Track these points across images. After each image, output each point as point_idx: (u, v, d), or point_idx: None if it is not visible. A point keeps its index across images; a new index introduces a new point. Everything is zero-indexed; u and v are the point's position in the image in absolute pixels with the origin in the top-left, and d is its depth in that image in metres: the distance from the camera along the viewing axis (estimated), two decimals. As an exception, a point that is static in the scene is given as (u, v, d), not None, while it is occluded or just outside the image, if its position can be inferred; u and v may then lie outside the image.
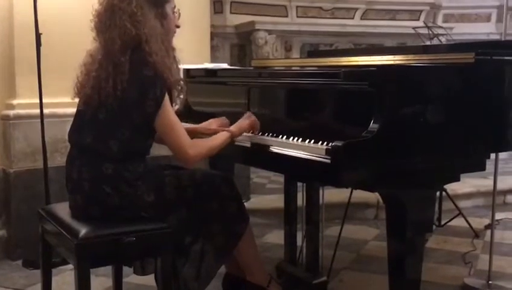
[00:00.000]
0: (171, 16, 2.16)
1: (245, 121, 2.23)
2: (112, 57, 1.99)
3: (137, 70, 1.97)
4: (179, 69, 2.13)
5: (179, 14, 2.22)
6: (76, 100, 2.13)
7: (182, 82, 2.13)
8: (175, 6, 2.19)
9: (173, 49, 2.13)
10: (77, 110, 2.12)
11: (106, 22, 2.02)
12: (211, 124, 2.35)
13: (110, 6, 2.03)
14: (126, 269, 2.34)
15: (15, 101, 3.29)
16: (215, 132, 2.25)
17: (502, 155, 2.77)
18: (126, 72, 1.96)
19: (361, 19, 6.70)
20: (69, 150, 2.15)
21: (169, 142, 2.05)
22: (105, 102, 1.98)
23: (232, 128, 2.20)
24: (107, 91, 1.97)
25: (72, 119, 2.15)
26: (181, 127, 2.06)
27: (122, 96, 1.96)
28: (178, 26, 2.23)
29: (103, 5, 2.05)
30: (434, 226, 3.70)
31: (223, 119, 2.38)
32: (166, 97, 2.01)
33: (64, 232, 1.98)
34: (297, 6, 6.53)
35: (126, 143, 2.01)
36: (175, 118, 2.05)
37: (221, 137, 2.16)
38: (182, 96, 2.16)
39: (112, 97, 1.97)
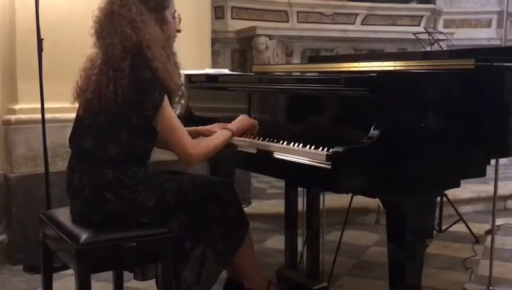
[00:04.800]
0: (171, 21, 2.17)
1: (244, 120, 2.23)
2: (112, 62, 1.99)
3: (136, 73, 1.98)
4: (180, 74, 2.14)
5: (180, 18, 2.23)
6: (76, 105, 2.14)
7: (182, 88, 2.13)
8: (175, 11, 2.20)
9: (174, 54, 2.14)
10: (77, 116, 2.13)
11: (106, 28, 2.03)
12: (214, 127, 2.37)
13: (110, 13, 2.03)
14: (127, 274, 2.34)
15: (16, 106, 3.30)
16: None
17: (503, 161, 2.79)
18: (126, 77, 1.97)
19: (362, 24, 6.72)
20: (70, 156, 2.15)
21: (172, 142, 2.06)
22: (106, 106, 1.99)
23: (231, 126, 2.20)
24: (108, 97, 1.98)
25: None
26: (182, 128, 2.07)
27: (123, 100, 1.97)
28: (179, 31, 2.24)
29: (103, 12, 2.06)
30: (434, 232, 3.70)
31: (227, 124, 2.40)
32: (166, 99, 2.02)
33: (65, 237, 1.98)
34: (298, 12, 6.55)
35: (126, 146, 2.02)
36: (176, 119, 2.05)
37: (221, 136, 2.16)
38: (182, 102, 2.16)
39: (112, 102, 1.98)
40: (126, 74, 1.97)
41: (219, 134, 2.17)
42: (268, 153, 2.09)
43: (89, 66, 2.08)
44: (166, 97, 2.02)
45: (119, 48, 1.99)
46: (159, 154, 2.19)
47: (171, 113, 2.03)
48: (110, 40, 2.01)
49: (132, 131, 2.01)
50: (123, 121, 2.00)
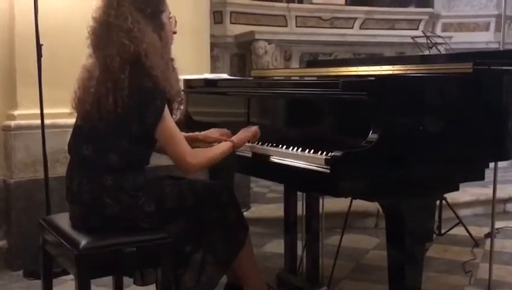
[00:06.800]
0: (167, 24, 2.16)
1: (246, 131, 2.23)
2: (111, 74, 1.98)
3: (137, 83, 1.97)
4: (178, 80, 2.13)
5: (175, 21, 2.21)
6: (75, 113, 2.14)
7: (181, 94, 2.13)
8: (170, 13, 2.19)
9: (172, 60, 2.14)
10: (75, 124, 2.13)
11: (103, 39, 2.01)
12: (212, 132, 2.37)
13: (106, 24, 2.02)
14: (127, 279, 2.34)
15: (16, 112, 3.30)
16: (215, 141, 2.26)
17: (502, 164, 2.78)
18: (126, 88, 1.96)
19: (360, 28, 6.74)
20: (69, 161, 2.15)
21: (170, 151, 2.06)
22: (105, 118, 1.99)
23: (234, 138, 2.20)
24: (108, 109, 1.97)
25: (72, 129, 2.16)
26: (181, 137, 2.07)
27: (123, 111, 1.97)
28: (175, 32, 2.22)
29: (98, 22, 2.04)
30: (434, 235, 3.70)
31: (224, 130, 2.39)
32: (167, 108, 2.02)
33: (64, 243, 1.99)
34: (296, 16, 6.57)
35: (126, 154, 2.02)
36: (175, 128, 2.05)
37: (222, 147, 2.16)
38: (181, 107, 2.16)
39: (112, 113, 1.97)
40: (126, 84, 1.96)
41: (219, 145, 2.16)
42: (267, 158, 2.09)
43: (87, 76, 2.06)
44: (166, 106, 2.02)
45: (117, 59, 1.97)
46: (158, 160, 2.20)
47: (171, 122, 2.04)
48: (108, 52, 1.99)
49: (132, 139, 2.02)
50: (123, 130, 2.00)
